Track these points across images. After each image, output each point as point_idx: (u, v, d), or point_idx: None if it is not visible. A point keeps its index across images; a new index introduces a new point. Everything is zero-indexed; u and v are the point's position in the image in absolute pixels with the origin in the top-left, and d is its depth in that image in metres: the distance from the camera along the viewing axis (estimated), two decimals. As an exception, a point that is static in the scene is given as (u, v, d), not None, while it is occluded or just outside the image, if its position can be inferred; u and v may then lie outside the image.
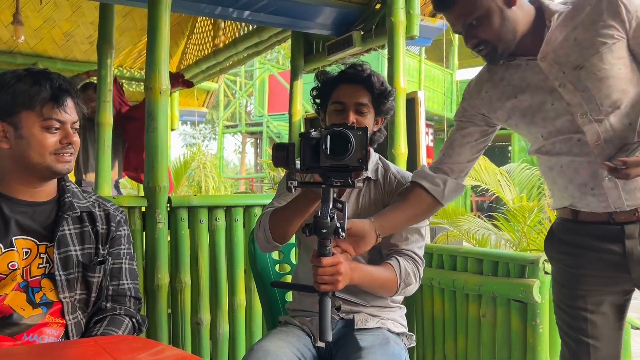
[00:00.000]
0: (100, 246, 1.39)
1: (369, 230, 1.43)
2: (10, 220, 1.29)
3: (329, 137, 1.19)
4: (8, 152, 1.29)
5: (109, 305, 1.39)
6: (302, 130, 3.67)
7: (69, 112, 1.32)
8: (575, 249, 1.41)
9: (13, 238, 1.29)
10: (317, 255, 1.27)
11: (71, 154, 1.33)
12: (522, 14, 1.35)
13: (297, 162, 1.26)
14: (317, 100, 1.68)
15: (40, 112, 1.27)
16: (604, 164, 1.22)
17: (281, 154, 1.22)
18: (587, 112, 1.30)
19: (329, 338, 1.21)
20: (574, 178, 1.36)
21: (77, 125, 1.35)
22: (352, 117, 1.56)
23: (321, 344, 1.52)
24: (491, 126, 1.53)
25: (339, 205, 1.23)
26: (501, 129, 1.59)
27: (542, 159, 1.46)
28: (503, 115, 1.46)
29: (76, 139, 1.35)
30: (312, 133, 1.20)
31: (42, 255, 1.32)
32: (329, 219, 1.19)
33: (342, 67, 1.66)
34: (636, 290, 1.39)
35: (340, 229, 1.21)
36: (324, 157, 1.19)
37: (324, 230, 1.20)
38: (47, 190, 1.37)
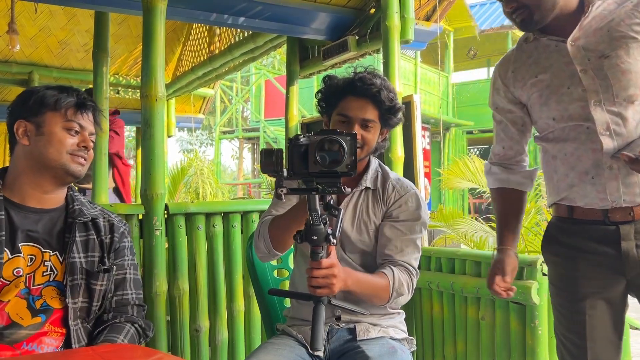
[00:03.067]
0: (105, 255, 1.42)
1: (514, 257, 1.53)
2: (17, 226, 1.32)
3: (320, 146, 1.17)
4: (26, 150, 1.35)
5: (110, 315, 1.42)
6: (299, 136, 3.66)
7: (89, 122, 1.41)
8: (570, 250, 1.42)
9: (20, 244, 1.31)
10: (310, 261, 1.27)
11: (85, 159, 1.39)
12: None
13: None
14: (322, 104, 1.64)
15: (64, 113, 1.36)
16: (623, 154, 1.23)
17: (270, 160, 1.19)
18: (602, 100, 1.32)
19: (320, 347, 1.20)
20: (576, 166, 1.37)
21: (93, 138, 1.42)
22: (357, 132, 1.53)
23: (319, 353, 1.52)
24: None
25: (335, 212, 1.22)
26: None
27: (546, 148, 1.46)
28: (523, 94, 1.47)
29: (92, 147, 1.42)
30: (301, 139, 1.19)
31: (46, 263, 1.34)
32: (322, 225, 1.19)
33: (351, 72, 1.60)
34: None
35: (331, 235, 1.20)
36: (313, 163, 1.17)
37: (315, 237, 1.20)
38: (56, 198, 1.40)
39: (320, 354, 1.52)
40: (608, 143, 1.31)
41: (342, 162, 1.17)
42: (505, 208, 1.59)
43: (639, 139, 1.22)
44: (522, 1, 1.36)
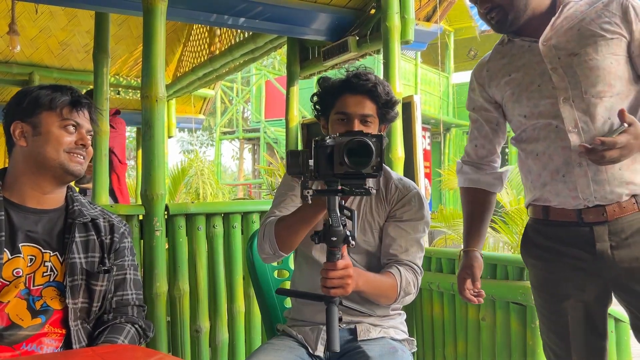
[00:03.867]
0: (106, 255, 1.42)
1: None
2: (17, 227, 1.32)
3: (348, 147, 1.16)
4: (24, 151, 1.35)
5: (110, 316, 1.42)
6: (299, 136, 3.67)
7: (86, 119, 1.40)
8: (548, 253, 1.42)
9: (20, 245, 1.31)
10: (326, 262, 1.26)
11: (84, 157, 1.39)
12: None
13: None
14: (318, 107, 1.64)
15: (60, 112, 1.35)
16: (581, 145, 1.25)
17: (296, 161, 1.19)
18: (570, 97, 1.33)
19: (337, 348, 1.19)
20: (548, 164, 1.38)
21: (91, 135, 1.42)
22: (357, 128, 1.53)
23: (319, 354, 1.52)
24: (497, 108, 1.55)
25: (348, 213, 1.22)
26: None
27: (521, 148, 1.47)
28: (497, 93, 1.49)
29: (90, 144, 1.41)
30: (327, 141, 1.18)
31: (46, 264, 1.34)
32: (341, 227, 1.18)
33: (344, 72, 1.62)
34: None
35: (350, 237, 1.19)
36: (339, 165, 1.17)
37: (334, 239, 1.19)
38: (55, 199, 1.40)
39: (321, 354, 1.52)
40: (575, 140, 1.31)
41: (368, 164, 1.17)
42: (474, 209, 1.61)
43: (608, 133, 1.23)
44: (496, 1, 1.38)
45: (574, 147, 1.31)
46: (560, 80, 1.34)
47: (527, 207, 1.50)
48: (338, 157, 1.16)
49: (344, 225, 1.20)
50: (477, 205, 1.60)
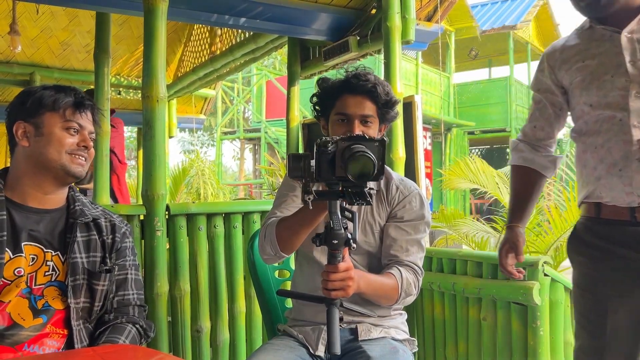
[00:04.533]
0: (107, 255, 1.42)
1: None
2: (19, 226, 1.32)
3: (350, 159, 1.14)
4: (26, 151, 1.35)
5: (112, 316, 1.42)
6: (300, 137, 3.67)
7: (88, 121, 1.40)
8: (596, 251, 1.40)
9: (22, 244, 1.31)
10: (327, 265, 1.26)
11: (85, 158, 1.39)
12: None
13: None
14: (318, 107, 1.64)
15: (62, 114, 1.35)
16: (639, 140, 1.25)
17: (298, 165, 1.18)
18: None
19: (338, 351, 1.18)
20: (605, 158, 1.37)
21: (93, 136, 1.42)
22: (358, 129, 1.53)
23: (320, 354, 1.52)
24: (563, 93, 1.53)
25: (349, 214, 1.22)
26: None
27: (579, 141, 1.46)
28: (566, 77, 1.47)
29: (92, 146, 1.40)
30: (330, 146, 1.17)
31: (48, 263, 1.34)
32: (342, 229, 1.18)
33: (343, 72, 1.62)
34: None
35: (351, 240, 1.19)
36: (340, 168, 1.16)
37: (336, 241, 1.19)
38: (57, 199, 1.40)
39: (322, 354, 1.52)
40: (639, 135, 1.30)
41: (369, 177, 1.15)
42: (523, 188, 1.59)
43: None
44: None
45: (637, 143, 1.31)
46: (637, 74, 1.33)
47: (579, 206, 1.49)
48: (339, 160, 1.16)
49: (345, 228, 1.19)
50: (527, 186, 1.59)
